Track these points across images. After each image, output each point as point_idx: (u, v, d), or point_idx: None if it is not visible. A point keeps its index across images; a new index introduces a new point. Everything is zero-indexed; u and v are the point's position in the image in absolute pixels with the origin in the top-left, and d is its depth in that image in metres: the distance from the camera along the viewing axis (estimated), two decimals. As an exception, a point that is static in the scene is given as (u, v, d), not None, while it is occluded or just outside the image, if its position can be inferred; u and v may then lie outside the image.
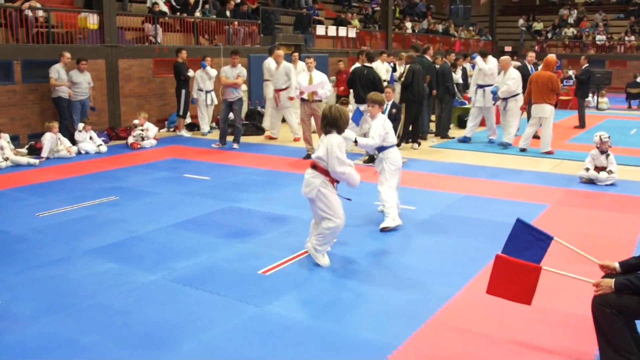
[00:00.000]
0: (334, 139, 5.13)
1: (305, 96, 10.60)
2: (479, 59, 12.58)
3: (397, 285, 4.98)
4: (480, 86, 12.49)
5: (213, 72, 13.72)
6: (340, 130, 5.19)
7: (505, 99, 11.89)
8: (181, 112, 13.77)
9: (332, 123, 5.17)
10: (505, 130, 12.08)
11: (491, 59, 12.65)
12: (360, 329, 4.22)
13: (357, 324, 4.28)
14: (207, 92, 13.85)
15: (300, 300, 4.68)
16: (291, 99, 12.88)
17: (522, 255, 3.80)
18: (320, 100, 10.73)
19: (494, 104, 12.47)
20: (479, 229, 6.57)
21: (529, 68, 13.47)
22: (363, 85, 11.04)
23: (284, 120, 14.08)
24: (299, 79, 10.85)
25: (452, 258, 5.65)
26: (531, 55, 14.01)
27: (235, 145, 12.08)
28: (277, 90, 13.03)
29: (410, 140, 12.23)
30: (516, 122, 11.94)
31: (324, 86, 10.60)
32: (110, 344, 3.97)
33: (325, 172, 5.21)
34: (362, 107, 11.00)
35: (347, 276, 5.16)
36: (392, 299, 4.70)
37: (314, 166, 5.24)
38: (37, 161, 10.43)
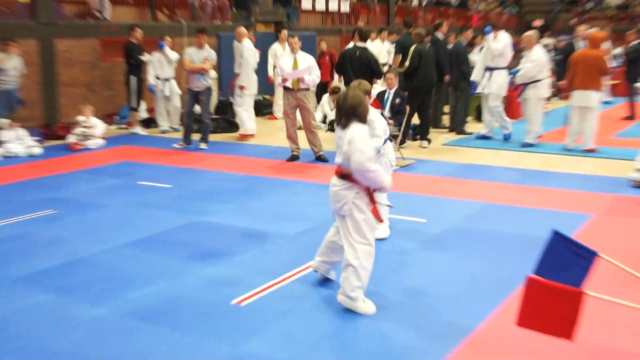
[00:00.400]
0: (356, 130, 4.88)
1: (289, 84, 10.58)
2: (491, 36, 12.45)
3: (403, 317, 4.93)
4: (488, 69, 12.52)
5: (174, 55, 13.71)
6: (362, 119, 4.96)
7: (524, 86, 11.78)
8: (133, 105, 13.72)
9: (350, 112, 4.93)
10: (527, 126, 12.04)
11: (502, 36, 12.46)
12: (359, 372, 4.17)
13: (356, 367, 4.24)
14: (165, 80, 13.83)
15: (284, 337, 4.63)
16: (242, 87, 12.93)
17: (559, 277, 3.76)
18: (307, 89, 10.72)
19: (514, 88, 12.46)
20: (505, 245, 6.56)
21: (579, 46, 13.38)
22: (355, 70, 11.04)
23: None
24: (281, 63, 10.84)
25: (472, 282, 5.62)
26: (582, 30, 13.88)
27: (203, 145, 12.06)
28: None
29: (418, 136, 12.25)
30: (538, 115, 11.88)
31: (311, 71, 10.60)
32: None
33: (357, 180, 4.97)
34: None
35: (342, 306, 5.10)
36: (396, 335, 4.65)
37: (343, 175, 5.00)
38: None
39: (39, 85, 13.48)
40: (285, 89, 10.75)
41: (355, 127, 4.89)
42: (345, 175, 4.97)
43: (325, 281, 5.58)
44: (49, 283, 5.63)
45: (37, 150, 11.55)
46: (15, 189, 9.01)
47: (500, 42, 12.31)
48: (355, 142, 4.82)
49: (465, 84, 13.32)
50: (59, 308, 5.12)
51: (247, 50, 12.84)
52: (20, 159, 11.19)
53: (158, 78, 13.82)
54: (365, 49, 11.27)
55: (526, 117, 11.95)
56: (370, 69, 11.13)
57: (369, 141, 4.92)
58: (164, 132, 13.99)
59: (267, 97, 16.99)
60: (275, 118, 15.87)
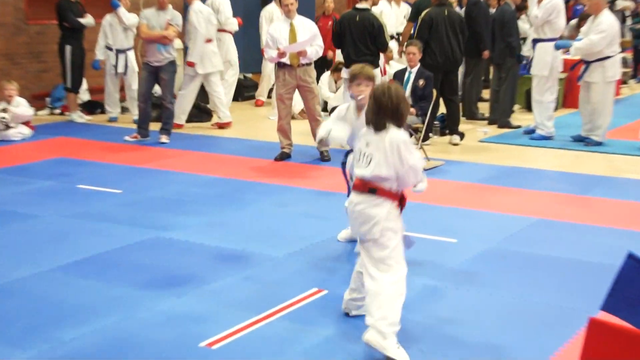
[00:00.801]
0: (399, 138, 4.99)
1: (286, 59, 10.60)
2: None
3: (429, 366, 4.95)
4: (534, 41, 12.49)
5: (131, 19, 13.62)
6: (401, 123, 5.08)
7: (586, 65, 11.65)
8: (70, 83, 13.71)
9: (395, 113, 5.03)
10: (587, 119, 11.90)
11: None
12: None
13: None
14: (119, 51, 13.80)
15: None
16: (190, 64, 13.10)
17: (635, 316, 3.78)
18: (310, 64, 10.72)
19: (571, 67, 12.37)
20: (559, 274, 6.57)
21: None
22: (355, 40, 10.93)
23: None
24: (273, 31, 10.80)
25: (518, 322, 5.62)
26: None
27: (164, 139, 12.08)
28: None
29: (447, 130, 12.27)
30: (608, 106, 11.81)
31: (313, 41, 10.63)
32: None
33: (393, 196, 5.11)
34: (378, 73, 11.06)
35: (344, 349, 5.13)
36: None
37: (371, 189, 5.08)
38: None
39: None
40: (280, 65, 10.74)
41: (396, 134, 5.00)
42: (373, 189, 5.06)
43: (324, 319, 5.58)
44: (-40, 317, 5.63)
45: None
46: None
47: (543, 6, 11.98)
48: (403, 155, 4.99)
49: (512, 62, 13.29)
50: (-27, 350, 5.13)
51: (195, 15, 12.88)
52: None
53: (110, 49, 13.77)
54: (367, 10, 11.00)
55: (589, 106, 11.86)
56: (373, 38, 10.98)
57: (414, 151, 5.14)
58: (112, 120, 13.99)
59: (248, 75, 17.01)
60: (262, 103, 15.92)
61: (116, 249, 7.14)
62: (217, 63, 13.42)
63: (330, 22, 14.58)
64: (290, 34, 10.67)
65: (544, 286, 6.30)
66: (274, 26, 11.00)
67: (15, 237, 7.48)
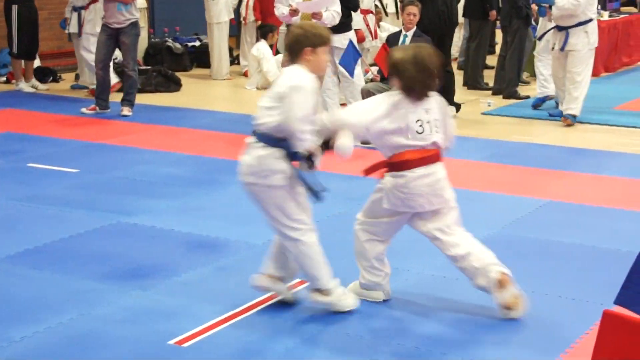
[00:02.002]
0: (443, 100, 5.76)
1: (297, 18, 10.57)
2: None
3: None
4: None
5: None
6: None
7: (566, 32, 11.53)
8: (15, 49, 13.64)
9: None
10: (560, 89, 11.88)
11: None
12: None
13: None
14: (75, 9, 13.72)
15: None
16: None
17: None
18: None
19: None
20: (570, 262, 6.62)
21: None
22: None
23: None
24: None
25: (528, 316, 5.63)
26: None
27: (126, 111, 12.09)
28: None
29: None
30: (585, 76, 11.68)
31: (330, 5, 10.63)
32: None
33: None
34: (354, 39, 11.09)
35: (327, 347, 5.17)
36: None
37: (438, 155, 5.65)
38: None
39: None
40: (289, 28, 10.71)
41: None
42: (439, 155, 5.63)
43: (307, 314, 5.61)
44: None
45: None
46: None
47: None
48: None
49: (519, 24, 13.28)
50: None
51: None
52: None
53: (76, 11, 13.70)
54: None
55: (570, 76, 11.72)
56: (346, 4, 10.97)
57: None
58: (74, 88, 13.95)
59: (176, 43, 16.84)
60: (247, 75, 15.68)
61: (73, 236, 7.13)
62: None
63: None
64: (304, -7, 10.68)
65: (556, 276, 6.34)
66: None
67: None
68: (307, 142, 5.22)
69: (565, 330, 5.45)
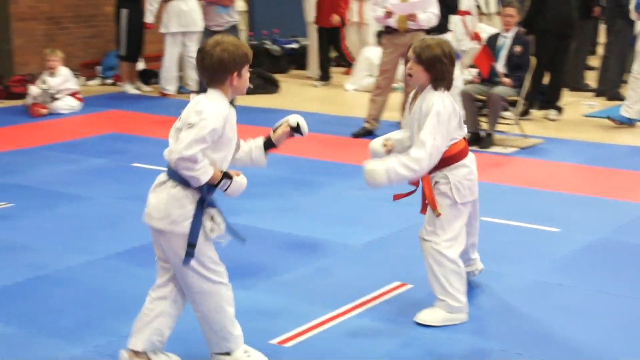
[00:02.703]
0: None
1: (392, 21, 10.64)
2: None
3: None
4: None
5: None
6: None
7: None
8: (124, 51, 13.88)
9: None
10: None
11: None
12: None
13: None
14: None
15: None
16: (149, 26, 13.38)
17: None
18: (421, 30, 10.71)
19: None
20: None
21: None
22: None
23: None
24: None
25: (632, 326, 5.58)
26: None
27: (227, 112, 12.15)
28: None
29: (544, 104, 12.17)
30: None
31: (427, 6, 10.63)
32: None
33: None
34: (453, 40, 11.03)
35: (427, 350, 5.17)
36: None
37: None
38: None
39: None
40: (386, 30, 10.78)
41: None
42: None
43: (409, 317, 5.61)
44: (3, 309, 5.75)
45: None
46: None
47: None
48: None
49: (623, 23, 13.08)
50: (19, 345, 5.22)
51: None
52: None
53: None
54: None
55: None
56: (444, 4, 11.01)
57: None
58: (166, 91, 14.11)
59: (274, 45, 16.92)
60: (350, 72, 15.82)
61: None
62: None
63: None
64: (402, -6, 10.68)
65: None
66: None
67: (65, 221, 7.62)
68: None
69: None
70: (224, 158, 4.61)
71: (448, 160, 5.41)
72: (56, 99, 12.31)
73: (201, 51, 4.59)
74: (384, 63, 10.88)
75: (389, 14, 10.54)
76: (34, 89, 12.31)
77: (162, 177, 4.66)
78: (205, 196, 4.59)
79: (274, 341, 5.27)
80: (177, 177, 4.53)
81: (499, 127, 10.37)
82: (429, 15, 10.58)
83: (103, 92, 14.14)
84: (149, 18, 13.41)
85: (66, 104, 12.39)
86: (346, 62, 16.11)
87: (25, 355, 5.12)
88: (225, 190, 4.66)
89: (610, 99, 13.19)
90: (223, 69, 4.51)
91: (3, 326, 5.50)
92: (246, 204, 8.02)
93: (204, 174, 4.44)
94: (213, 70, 4.53)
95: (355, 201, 8.16)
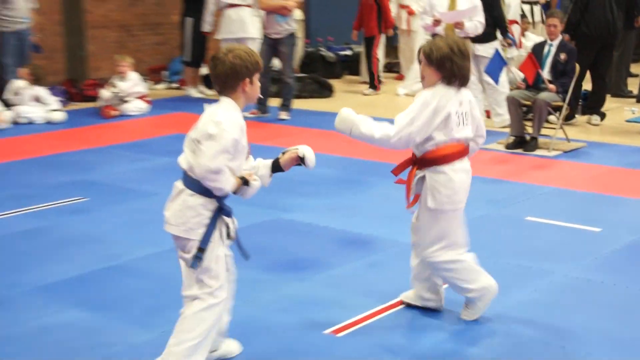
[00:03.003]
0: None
1: (440, 29, 10.60)
2: None
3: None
4: None
5: None
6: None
7: None
8: (187, 57, 13.98)
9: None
10: None
11: None
12: None
13: None
14: None
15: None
16: (207, 34, 13.48)
17: None
18: (468, 37, 10.66)
19: None
20: None
21: None
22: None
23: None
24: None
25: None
26: None
27: (284, 115, 12.23)
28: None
29: (587, 110, 12.06)
30: None
31: (474, 15, 10.56)
32: None
33: None
34: (499, 47, 10.97)
35: (474, 342, 5.13)
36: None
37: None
38: None
39: (59, 27, 13.87)
40: (434, 37, 10.70)
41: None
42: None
43: (454, 312, 5.57)
44: (78, 296, 5.82)
45: (60, 115, 11.93)
46: (33, 168, 9.38)
47: None
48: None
49: None
50: (92, 330, 5.28)
51: None
52: (37, 126, 11.63)
53: None
54: None
55: None
56: (490, 5, 10.99)
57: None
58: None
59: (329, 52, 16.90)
60: (402, 77, 15.81)
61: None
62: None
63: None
64: (450, 3, 10.67)
65: None
66: None
67: (135, 215, 7.72)
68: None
69: None
70: (239, 166, 4.49)
71: (431, 161, 5.23)
72: (126, 101, 12.46)
73: (214, 59, 4.52)
74: None
75: (437, 23, 10.53)
76: (105, 93, 12.48)
77: (179, 185, 4.57)
78: (223, 204, 4.54)
79: (328, 331, 5.28)
80: (193, 186, 4.45)
81: (544, 131, 10.27)
82: (475, 23, 10.55)
83: (169, 96, 14.28)
84: (205, 27, 13.46)
85: (135, 106, 12.52)
86: (370, 71, 15.95)
87: (99, 339, 5.17)
88: (241, 193, 4.57)
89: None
90: (235, 76, 4.42)
91: (78, 312, 5.57)
92: (301, 202, 8.07)
93: (228, 183, 4.37)
94: (226, 77, 4.45)
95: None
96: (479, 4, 10.63)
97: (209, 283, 4.51)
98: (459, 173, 5.23)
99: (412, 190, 5.34)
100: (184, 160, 4.50)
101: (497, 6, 11.08)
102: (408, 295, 5.65)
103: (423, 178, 5.28)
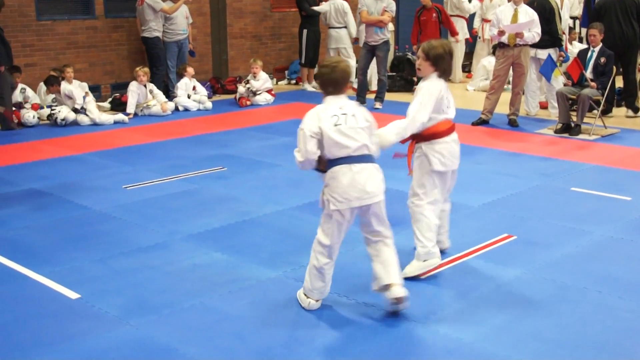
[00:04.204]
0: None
1: (504, 39, 10.43)
2: None
3: (605, 308, 4.78)
4: None
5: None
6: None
7: None
8: (303, 60, 14.04)
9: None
10: None
11: None
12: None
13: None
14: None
15: (466, 318, 4.64)
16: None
17: None
18: (527, 45, 10.48)
19: None
20: None
21: None
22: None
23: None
24: (499, 12, 10.66)
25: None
26: None
27: (378, 105, 12.16)
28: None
29: (623, 103, 11.70)
30: None
31: (532, 27, 10.35)
32: (218, 359, 4.14)
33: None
34: (533, 54, 10.72)
35: (534, 288, 5.05)
36: (598, 327, 4.52)
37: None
38: (125, 118, 11.08)
39: (208, 37, 14.05)
40: (500, 45, 10.59)
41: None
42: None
43: (514, 260, 5.50)
44: (220, 242, 5.93)
45: (208, 104, 12.12)
46: (186, 144, 9.54)
47: None
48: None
49: None
50: (231, 268, 5.40)
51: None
52: (189, 113, 11.83)
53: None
54: None
55: None
56: (546, 20, 10.67)
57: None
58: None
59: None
60: (471, 76, 15.56)
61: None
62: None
63: (434, 14, 13.42)
64: (513, 17, 10.41)
65: None
66: (501, 8, 10.82)
67: (263, 181, 7.79)
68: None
69: None
70: None
71: (429, 136, 5.19)
72: (257, 94, 12.53)
73: (327, 66, 4.64)
74: (497, 70, 10.65)
75: (501, 33, 10.29)
76: (241, 88, 12.58)
77: (367, 166, 4.66)
78: None
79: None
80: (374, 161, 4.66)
81: (586, 120, 10.01)
82: (533, 34, 10.30)
83: (289, 90, 14.33)
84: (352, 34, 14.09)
85: (263, 98, 12.60)
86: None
87: (235, 275, 5.27)
88: None
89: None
90: (347, 80, 4.64)
91: (220, 254, 5.68)
92: (392, 173, 7.97)
93: None
94: (343, 80, 4.63)
95: (473, 173, 7.99)
96: (536, 18, 10.35)
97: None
98: (450, 143, 5.24)
99: (412, 160, 5.32)
100: (368, 146, 4.69)
101: (553, 21, 10.81)
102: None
103: (420, 149, 5.25)
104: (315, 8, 13.76)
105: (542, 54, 10.80)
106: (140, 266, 5.44)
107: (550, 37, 10.83)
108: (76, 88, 11.03)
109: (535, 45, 10.71)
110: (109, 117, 10.96)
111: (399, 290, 4.52)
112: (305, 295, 4.75)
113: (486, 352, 4.18)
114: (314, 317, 4.61)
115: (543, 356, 4.13)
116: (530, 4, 10.65)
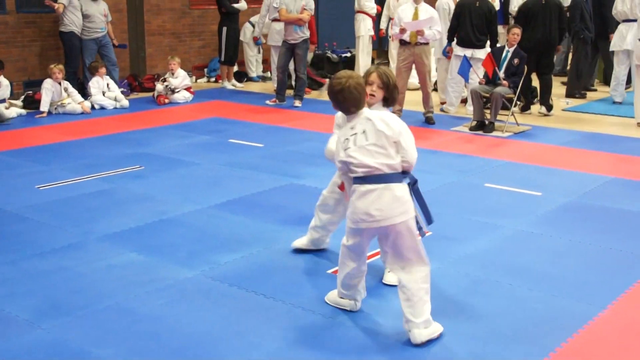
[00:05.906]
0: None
1: (406, 36, 10.52)
2: None
3: (515, 300, 4.88)
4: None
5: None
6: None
7: None
8: (222, 58, 13.95)
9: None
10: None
11: None
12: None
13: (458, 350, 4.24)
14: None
15: (382, 310, 4.68)
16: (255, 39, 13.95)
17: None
18: (426, 43, 10.62)
19: None
20: (632, 225, 6.39)
21: None
22: (474, 24, 10.90)
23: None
24: (400, 12, 10.75)
25: (593, 264, 5.51)
26: None
27: (297, 103, 12.16)
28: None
29: (536, 101, 11.99)
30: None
31: (432, 25, 10.49)
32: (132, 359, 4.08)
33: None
34: (470, 54, 10.90)
35: (433, 285, 5.13)
36: (509, 319, 4.61)
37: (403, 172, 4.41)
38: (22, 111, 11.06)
39: (125, 33, 13.83)
40: (401, 43, 10.69)
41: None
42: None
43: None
44: (137, 242, 5.84)
45: (125, 102, 11.90)
46: (102, 143, 9.35)
47: None
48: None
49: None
50: (147, 268, 5.32)
51: None
52: (106, 111, 11.60)
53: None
54: None
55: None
56: (487, 21, 10.98)
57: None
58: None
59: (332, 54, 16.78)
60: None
61: (259, 192, 7.26)
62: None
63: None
64: (414, 15, 10.51)
65: (618, 235, 6.13)
66: (402, 7, 10.91)
67: (181, 180, 7.70)
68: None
69: (624, 277, 5.28)
70: None
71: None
72: (175, 92, 12.40)
73: (331, 89, 4.31)
74: (399, 68, 10.75)
75: (403, 31, 10.41)
76: (159, 85, 12.42)
77: (376, 186, 4.22)
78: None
79: (331, 271, 5.27)
80: (397, 178, 4.30)
81: (499, 117, 10.21)
82: (434, 31, 10.47)
83: (208, 88, 14.21)
84: (256, 32, 14.04)
85: (182, 95, 12.46)
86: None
87: (152, 274, 5.21)
88: None
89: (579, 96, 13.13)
90: (357, 98, 4.27)
91: (137, 254, 5.59)
92: (312, 170, 8.04)
93: None
94: (353, 100, 4.26)
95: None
96: (436, 16, 10.58)
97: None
98: None
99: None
100: (374, 165, 4.21)
101: (495, 22, 11.09)
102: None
103: None
104: (235, 5, 13.66)
105: (481, 53, 10.93)
106: (53, 267, 5.32)
107: (491, 37, 11.10)
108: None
109: (473, 46, 10.97)
110: (10, 112, 10.69)
111: None
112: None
113: (405, 344, 4.23)
114: (231, 315, 4.59)
115: (456, 348, 4.20)
116: (470, 4, 10.87)
